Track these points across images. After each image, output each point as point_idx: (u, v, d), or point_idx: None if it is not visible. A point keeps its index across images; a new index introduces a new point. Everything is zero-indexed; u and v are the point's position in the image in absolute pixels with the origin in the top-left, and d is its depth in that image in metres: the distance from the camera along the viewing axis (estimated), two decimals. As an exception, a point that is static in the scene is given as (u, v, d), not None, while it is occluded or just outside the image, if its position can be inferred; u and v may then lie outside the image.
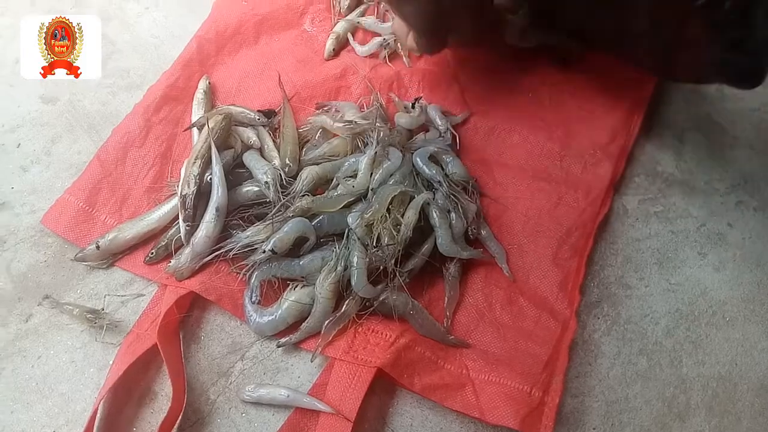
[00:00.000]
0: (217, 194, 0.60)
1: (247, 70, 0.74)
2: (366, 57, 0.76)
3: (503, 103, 0.71)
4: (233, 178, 0.63)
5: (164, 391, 0.56)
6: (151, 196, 0.65)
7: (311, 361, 0.57)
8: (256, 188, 0.62)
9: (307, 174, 0.62)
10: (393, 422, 0.56)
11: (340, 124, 0.65)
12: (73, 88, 0.74)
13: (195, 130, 0.67)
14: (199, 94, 0.70)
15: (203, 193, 0.61)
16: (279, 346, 0.58)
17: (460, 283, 0.61)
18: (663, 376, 0.59)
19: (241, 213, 0.62)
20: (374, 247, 0.58)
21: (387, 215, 0.59)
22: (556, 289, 0.60)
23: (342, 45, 0.77)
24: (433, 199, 0.62)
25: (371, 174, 0.62)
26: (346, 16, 0.79)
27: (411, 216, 0.59)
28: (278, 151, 0.65)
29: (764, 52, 0.51)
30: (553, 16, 0.61)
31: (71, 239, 0.62)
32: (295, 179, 0.62)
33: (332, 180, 0.63)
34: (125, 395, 0.56)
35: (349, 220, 0.60)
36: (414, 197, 0.61)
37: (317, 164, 0.64)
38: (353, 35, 0.78)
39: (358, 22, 0.78)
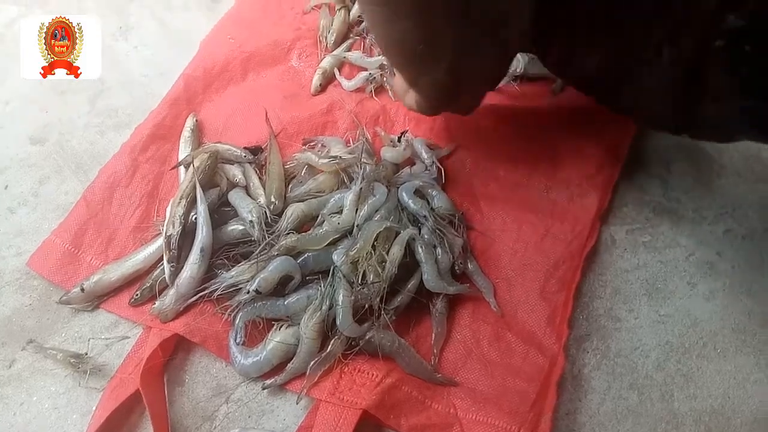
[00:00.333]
0: (202, 234, 0.59)
1: (234, 107, 0.73)
2: (352, 91, 0.76)
3: (489, 136, 0.71)
4: (218, 217, 0.62)
5: (148, 437, 0.55)
6: (137, 235, 0.64)
7: (297, 403, 0.56)
8: (241, 227, 0.61)
9: (293, 211, 0.61)
10: (380, 464, 0.54)
11: (325, 160, 0.64)
12: (62, 128, 0.73)
13: (182, 168, 0.67)
14: (186, 132, 0.70)
15: (188, 232, 0.60)
16: (264, 388, 0.56)
17: (447, 319, 0.60)
18: (654, 411, 0.57)
19: (226, 252, 0.61)
20: (359, 285, 0.57)
21: (372, 252, 0.58)
22: (543, 323, 0.59)
23: (329, 80, 0.77)
24: (419, 234, 0.61)
25: (357, 210, 0.62)
26: (333, 51, 0.79)
27: (396, 252, 0.58)
28: (264, 189, 0.64)
29: None
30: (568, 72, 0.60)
31: (57, 282, 0.61)
32: (281, 217, 0.62)
33: (318, 217, 0.62)
34: (109, 441, 0.54)
35: (334, 257, 0.59)
36: (399, 233, 0.60)
37: (303, 201, 0.63)
38: (340, 70, 0.78)
39: (345, 57, 0.78)
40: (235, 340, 0.57)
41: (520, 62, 0.72)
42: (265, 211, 0.61)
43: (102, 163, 0.68)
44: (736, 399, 0.58)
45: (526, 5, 0.50)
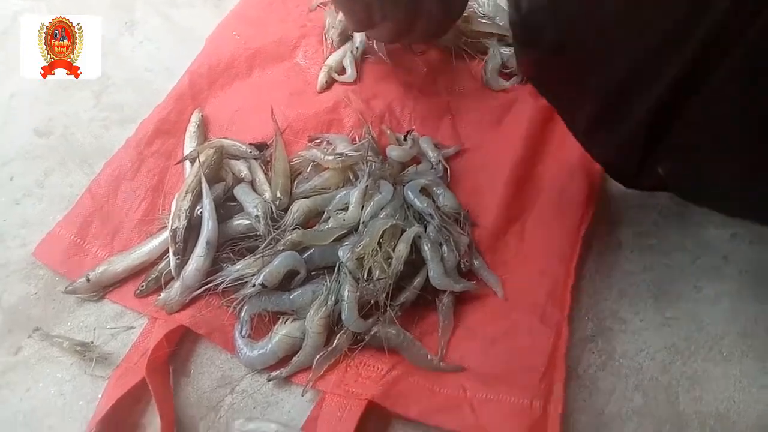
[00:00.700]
0: (208, 228, 0.64)
1: (239, 103, 0.79)
2: (358, 90, 0.81)
3: (495, 133, 0.76)
4: (224, 212, 0.68)
5: (153, 425, 0.59)
6: (142, 228, 0.69)
7: (302, 395, 0.61)
8: (247, 221, 0.66)
9: (298, 207, 0.66)
10: (386, 454, 0.59)
11: (331, 158, 0.70)
12: (67, 121, 0.79)
13: (187, 163, 0.72)
14: (191, 128, 0.75)
15: (194, 226, 0.65)
16: (269, 380, 0.61)
17: (453, 313, 0.64)
18: (659, 413, 0.61)
19: (231, 246, 0.66)
20: (365, 281, 0.62)
21: (378, 249, 0.63)
22: (544, 296, 0.64)
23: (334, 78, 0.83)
24: (425, 231, 0.66)
25: (362, 207, 0.67)
26: (338, 48, 0.85)
27: (402, 249, 0.63)
28: (269, 184, 0.69)
29: None
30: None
31: (62, 272, 0.66)
32: (286, 212, 0.67)
33: (323, 213, 0.68)
34: (114, 429, 0.59)
35: (340, 253, 0.64)
36: (405, 230, 0.65)
37: (308, 197, 0.68)
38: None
39: (351, 53, 0.84)
40: (241, 333, 0.62)
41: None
42: (271, 207, 0.66)
43: (106, 157, 0.74)
44: (742, 403, 0.62)
45: None
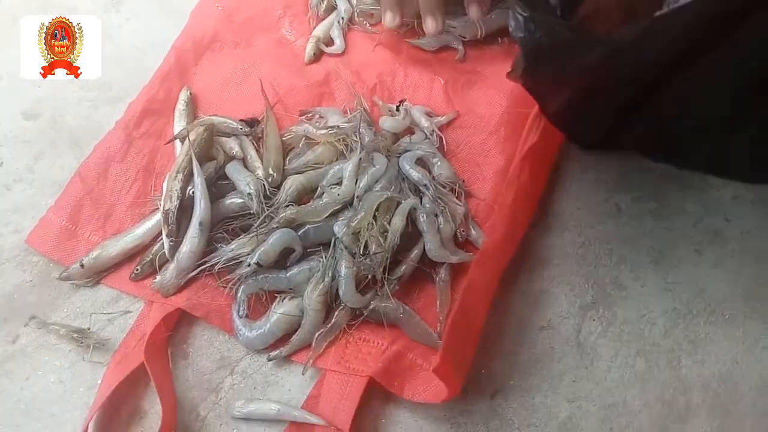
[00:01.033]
0: (200, 208, 0.61)
1: (227, 78, 0.75)
2: (348, 61, 0.77)
3: (488, 99, 0.73)
4: (216, 191, 0.65)
5: (154, 408, 0.58)
6: (135, 211, 0.66)
7: (303, 374, 0.59)
8: (240, 200, 0.64)
9: (291, 183, 0.64)
10: (387, 432, 0.57)
11: (323, 131, 0.67)
12: (55, 104, 0.76)
13: (177, 142, 0.69)
14: (180, 106, 0.72)
15: (186, 207, 0.63)
16: (269, 360, 0.59)
17: (451, 287, 0.62)
18: (662, 377, 0.60)
19: (225, 226, 0.63)
20: (362, 256, 0.60)
21: (374, 222, 0.61)
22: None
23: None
24: (420, 203, 0.64)
25: (356, 181, 0.64)
26: (325, 19, 0.81)
27: (398, 222, 0.61)
28: (261, 161, 0.66)
29: None
30: None
31: (56, 258, 0.64)
32: (279, 189, 0.64)
33: (317, 189, 0.65)
34: (115, 414, 0.57)
35: (336, 229, 0.61)
36: (400, 203, 0.63)
37: (301, 173, 0.65)
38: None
39: (338, 23, 0.80)
40: (238, 313, 0.60)
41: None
42: (264, 184, 0.64)
43: (97, 138, 0.71)
44: (745, 364, 0.60)
45: None
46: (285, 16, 0.82)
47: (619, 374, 0.60)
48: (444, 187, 0.65)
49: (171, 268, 0.61)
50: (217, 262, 0.60)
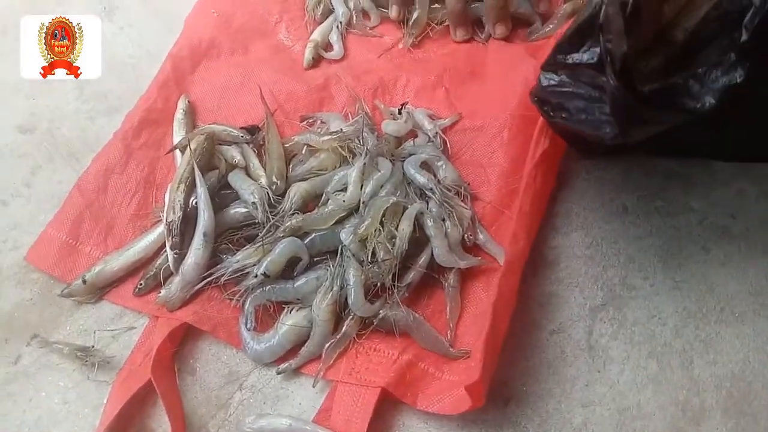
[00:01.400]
0: (204, 218, 0.58)
1: (226, 85, 0.72)
2: (349, 65, 0.75)
3: (490, 101, 0.70)
4: (219, 200, 0.62)
5: (162, 428, 0.55)
6: (136, 223, 0.63)
7: (313, 387, 0.56)
8: (244, 209, 0.61)
9: (296, 191, 0.61)
10: (401, 444, 0.55)
11: (326, 138, 0.64)
12: (51, 116, 0.72)
13: (177, 152, 0.66)
14: (179, 115, 0.69)
15: (189, 218, 0.59)
16: (279, 373, 0.56)
17: (460, 293, 0.60)
18: (675, 378, 0.58)
19: (229, 236, 0.61)
20: (369, 263, 0.57)
21: (381, 228, 0.58)
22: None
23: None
24: (427, 207, 0.61)
25: (361, 186, 0.61)
26: (321, 23, 0.78)
27: (406, 228, 0.58)
28: (264, 169, 0.63)
29: None
30: None
31: (57, 275, 0.61)
32: (284, 197, 0.61)
33: (322, 195, 0.62)
34: (122, 434, 0.54)
35: (342, 236, 0.59)
36: (407, 207, 0.60)
37: (305, 180, 0.63)
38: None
39: (336, 28, 0.77)
40: (246, 326, 0.57)
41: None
42: (268, 192, 0.61)
43: (95, 150, 0.67)
44: (757, 363, 0.58)
45: None
46: (282, 20, 0.79)
47: (632, 377, 0.58)
48: (449, 191, 0.63)
49: (176, 282, 0.58)
50: (223, 274, 0.58)
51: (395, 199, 0.60)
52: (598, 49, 0.51)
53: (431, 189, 0.62)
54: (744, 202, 0.66)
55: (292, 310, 0.58)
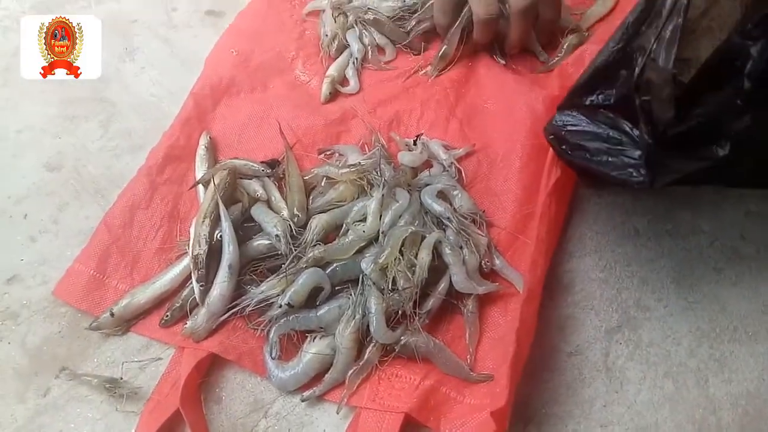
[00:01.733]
0: (229, 252, 0.59)
1: (246, 121, 0.73)
2: (365, 98, 0.75)
3: (501, 130, 0.70)
4: (243, 233, 0.62)
5: (190, 457, 0.54)
6: (161, 257, 0.63)
7: (337, 413, 0.55)
8: (267, 242, 0.61)
9: (317, 223, 0.61)
10: (425, 469, 0.54)
11: (345, 170, 0.64)
12: (77, 154, 0.73)
13: (200, 187, 0.66)
14: (201, 151, 0.69)
15: (214, 250, 0.60)
16: (303, 400, 0.56)
17: (479, 318, 0.60)
18: (691, 397, 0.57)
19: (253, 268, 0.61)
20: (390, 291, 0.57)
21: (400, 257, 0.58)
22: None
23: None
24: (444, 236, 0.61)
25: (380, 217, 0.61)
26: (336, 58, 0.79)
27: (425, 257, 0.59)
28: (286, 202, 0.64)
29: None
30: None
31: (84, 308, 0.60)
32: (305, 229, 0.61)
33: (342, 226, 0.62)
34: (151, 465, 0.54)
35: (363, 265, 0.59)
36: (425, 236, 0.60)
37: (325, 212, 0.63)
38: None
39: (352, 63, 0.78)
40: (271, 355, 0.57)
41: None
42: (290, 225, 0.61)
43: (120, 186, 0.68)
44: (771, 380, 0.58)
45: None
46: (298, 57, 0.80)
47: (649, 396, 0.57)
48: (466, 219, 0.63)
49: (202, 313, 0.58)
50: (248, 305, 0.57)
51: (414, 228, 0.60)
52: (613, 91, 0.52)
53: (448, 218, 0.62)
54: (753, 223, 0.66)
55: (315, 338, 0.57)
